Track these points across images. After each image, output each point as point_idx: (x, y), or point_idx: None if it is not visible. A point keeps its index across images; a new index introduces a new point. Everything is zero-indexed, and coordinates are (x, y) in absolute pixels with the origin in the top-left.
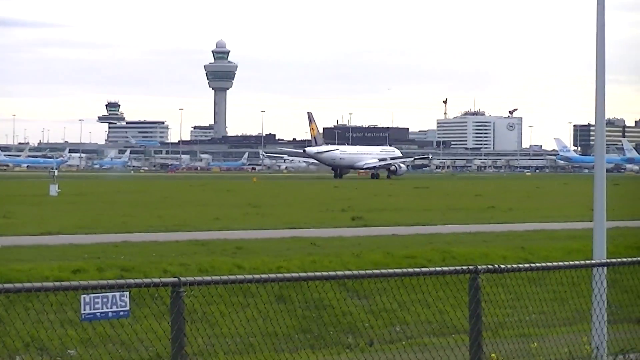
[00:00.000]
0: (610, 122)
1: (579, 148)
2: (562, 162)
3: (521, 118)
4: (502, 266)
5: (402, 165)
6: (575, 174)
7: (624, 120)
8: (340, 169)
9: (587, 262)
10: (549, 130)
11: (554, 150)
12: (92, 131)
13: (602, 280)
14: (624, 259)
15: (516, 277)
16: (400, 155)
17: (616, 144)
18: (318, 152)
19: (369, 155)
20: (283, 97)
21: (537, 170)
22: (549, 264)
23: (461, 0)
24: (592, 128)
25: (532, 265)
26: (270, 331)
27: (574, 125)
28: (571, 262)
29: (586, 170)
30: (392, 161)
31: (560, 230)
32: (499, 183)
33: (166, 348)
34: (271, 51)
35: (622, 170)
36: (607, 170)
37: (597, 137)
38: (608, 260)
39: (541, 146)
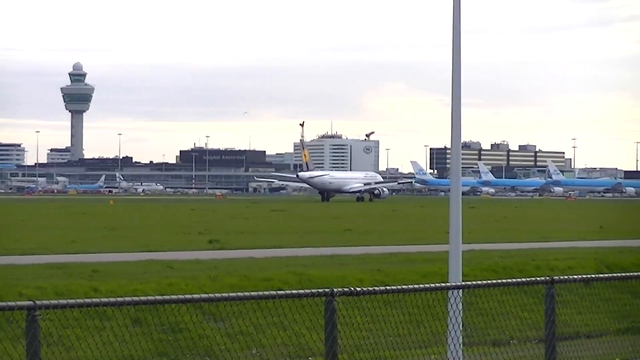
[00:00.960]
0: (466, 145)
1: (436, 171)
2: (419, 185)
3: (378, 141)
4: (358, 289)
5: (385, 189)
6: (431, 196)
7: (480, 144)
8: (327, 193)
9: (443, 284)
10: (405, 153)
11: (410, 173)
12: None
13: (457, 302)
14: (479, 282)
15: (372, 299)
16: (382, 179)
17: (472, 167)
18: (310, 177)
19: (354, 180)
20: (140, 120)
21: (394, 193)
22: (404, 286)
23: (313, 23)
24: (448, 151)
25: (388, 287)
26: (127, 355)
27: (431, 149)
28: (427, 285)
29: (442, 193)
30: (376, 185)
31: (417, 253)
32: (356, 206)
33: None
34: (129, 74)
35: (478, 193)
36: (463, 193)
37: (453, 161)
38: (463, 283)
39: (398, 169)
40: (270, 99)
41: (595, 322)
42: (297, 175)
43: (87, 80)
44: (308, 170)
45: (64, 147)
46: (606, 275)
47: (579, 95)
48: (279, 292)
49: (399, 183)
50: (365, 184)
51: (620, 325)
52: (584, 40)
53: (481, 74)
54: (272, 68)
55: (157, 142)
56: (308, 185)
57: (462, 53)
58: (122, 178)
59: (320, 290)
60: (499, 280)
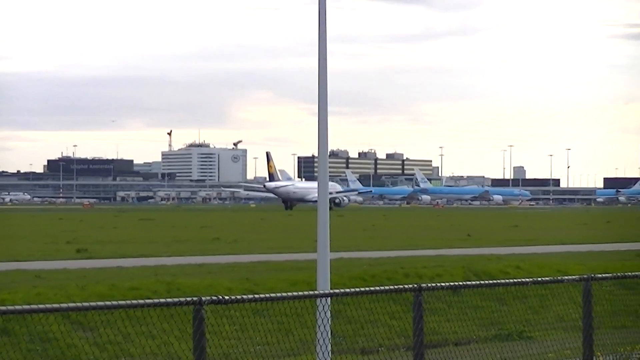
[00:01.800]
0: (334, 154)
1: (304, 179)
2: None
3: (246, 150)
4: (227, 297)
5: (345, 198)
6: (300, 205)
7: (347, 152)
8: (291, 202)
9: (311, 292)
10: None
11: None
12: None
13: (326, 311)
14: (347, 290)
15: (241, 308)
16: (342, 189)
17: (340, 175)
18: (276, 187)
19: (315, 189)
20: (7, 130)
21: (262, 202)
22: (273, 295)
23: (180, 31)
24: (316, 159)
25: (257, 296)
26: None
27: (299, 157)
28: (295, 293)
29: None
30: (337, 195)
31: (285, 262)
32: (224, 215)
33: None
34: None
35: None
36: (264, 200)
37: (320, 169)
38: (332, 291)
39: (265, 178)
40: (137, 107)
41: (463, 329)
42: (264, 186)
43: None
44: (274, 180)
45: None
46: (474, 282)
47: (446, 104)
48: (147, 301)
49: (359, 193)
50: None
51: (488, 332)
52: (448, 49)
53: (348, 82)
54: (140, 77)
55: (25, 152)
56: (274, 195)
57: (328, 61)
58: None
59: (188, 298)
60: (368, 288)
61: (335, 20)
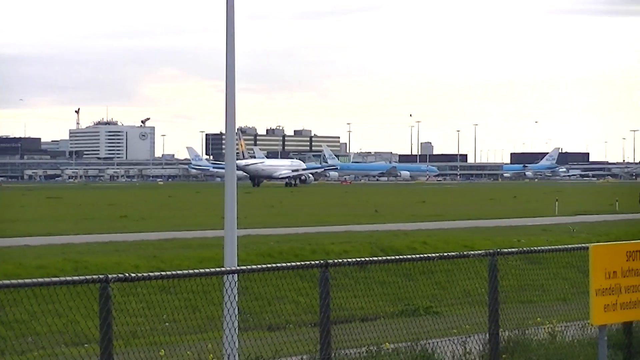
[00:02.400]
0: (242, 131)
1: (212, 157)
2: (195, 170)
3: (154, 127)
4: (133, 275)
5: (310, 175)
6: (208, 182)
7: (255, 129)
8: (258, 179)
9: (218, 269)
10: (181, 139)
11: (186, 159)
12: None
13: (233, 287)
14: (254, 267)
15: (148, 285)
16: (305, 167)
17: (248, 152)
18: (245, 165)
19: (283, 167)
20: None
21: (170, 179)
22: (179, 272)
23: (84, 9)
24: (223, 137)
25: (163, 273)
26: None
27: (206, 134)
28: (202, 270)
29: (218, 179)
30: (303, 172)
31: (193, 239)
32: (132, 192)
33: None
34: None
35: None
36: (239, 179)
37: (227, 146)
38: (238, 268)
39: (174, 155)
40: (44, 86)
41: (370, 305)
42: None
43: None
44: (243, 159)
45: None
46: (380, 258)
47: (352, 80)
48: (54, 279)
49: (324, 170)
50: (293, 171)
51: (395, 308)
52: (356, 25)
53: (255, 59)
54: (46, 55)
55: None
56: (243, 173)
57: (236, 38)
58: None
59: (94, 276)
60: (274, 265)
61: None
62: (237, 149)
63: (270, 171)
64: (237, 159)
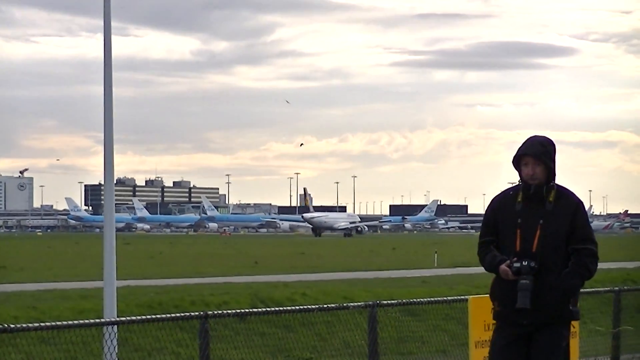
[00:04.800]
0: (120, 182)
1: (91, 207)
2: (74, 221)
3: (32, 178)
4: (12, 325)
5: (365, 227)
6: (86, 233)
7: (134, 180)
8: (320, 230)
9: (97, 320)
10: (60, 190)
11: (65, 209)
12: None
13: (112, 339)
14: (134, 318)
15: (27, 336)
16: (360, 219)
17: (127, 203)
18: (311, 218)
19: (341, 219)
20: None
21: (49, 230)
22: (59, 323)
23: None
24: (102, 187)
25: (42, 324)
26: None
27: (85, 185)
28: (81, 321)
29: (98, 230)
30: (359, 224)
31: (72, 290)
32: (11, 243)
33: None
34: None
35: (134, 229)
36: (118, 230)
37: (106, 197)
38: (118, 319)
39: (52, 206)
40: None
41: (250, 356)
42: (302, 217)
43: None
44: (309, 212)
45: None
46: (260, 309)
47: (232, 132)
48: None
49: (380, 221)
50: (350, 222)
51: (275, 359)
52: (235, 76)
53: (134, 110)
54: None
55: None
56: (309, 225)
57: (114, 89)
58: None
59: None
60: (154, 316)
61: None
62: (306, 203)
63: (331, 223)
64: (305, 212)
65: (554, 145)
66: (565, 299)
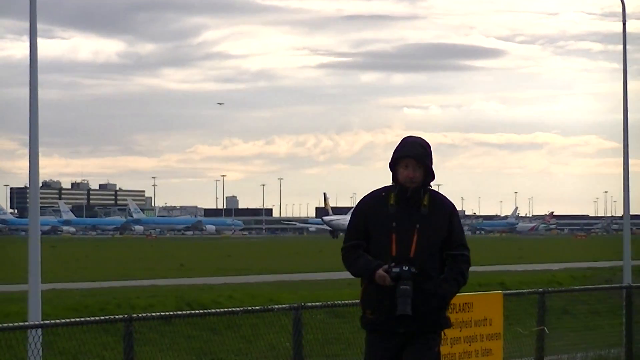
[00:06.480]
0: (46, 185)
1: (17, 211)
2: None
3: None
4: None
5: None
6: (12, 236)
7: (60, 183)
8: (337, 232)
9: (21, 324)
10: None
11: None
12: None
13: (37, 342)
14: (58, 321)
15: None
16: None
17: (53, 206)
18: (331, 220)
19: None
20: None
21: None
22: None
23: None
24: (28, 190)
25: None
26: None
27: (11, 188)
28: (5, 325)
29: (23, 233)
30: None
31: None
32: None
33: None
34: None
35: (59, 232)
36: (44, 233)
37: (31, 200)
38: (42, 322)
39: None
40: None
41: (176, 359)
42: (322, 219)
43: None
44: (329, 215)
45: None
46: (185, 312)
47: (158, 135)
48: None
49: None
50: None
51: None
52: (162, 78)
53: (59, 112)
54: None
55: None
56: (328, 227)
57: (40, 91)
58: None
59: None
60: (79, 319)
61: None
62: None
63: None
64: (324, 216)
65: (430, 147)
66: (442, 306)
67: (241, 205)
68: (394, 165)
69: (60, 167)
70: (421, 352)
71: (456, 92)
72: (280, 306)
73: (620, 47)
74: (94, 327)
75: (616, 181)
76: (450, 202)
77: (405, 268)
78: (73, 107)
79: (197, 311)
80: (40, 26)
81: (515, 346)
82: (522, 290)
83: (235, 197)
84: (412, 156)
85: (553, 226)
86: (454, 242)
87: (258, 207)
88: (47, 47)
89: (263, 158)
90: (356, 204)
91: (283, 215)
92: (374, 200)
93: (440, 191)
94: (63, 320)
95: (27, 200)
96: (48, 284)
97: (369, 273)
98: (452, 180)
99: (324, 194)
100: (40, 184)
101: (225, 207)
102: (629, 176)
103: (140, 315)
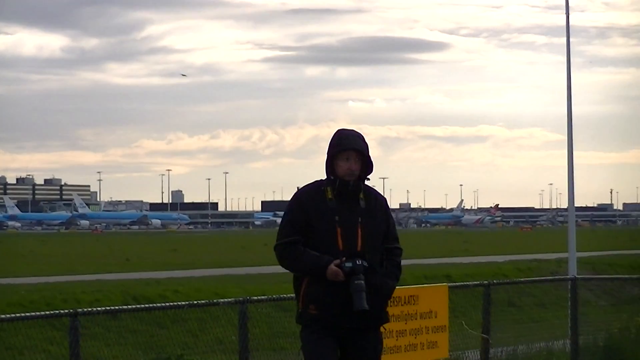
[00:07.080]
0: None
1: None
2: None
3: None
4: None
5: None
6: None
7: (5, 178)
8: None
9: None
10: None
11: None
12: None
13: None
14: (3, 316)
15: None
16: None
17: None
18: None
19: None
20: None
21: None
22: None
23: None
24: None
25: None
26: None
27: None
28: None
29: None
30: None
31: None
32: None
33: None
34: None
35: (5, 227)
36: None
37: None
38: None
39: None
40: None
41: (122, 353)
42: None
43: None
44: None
45: None
46: (130, 307)
47: (103, 129)
48: None
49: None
50: None
51: (147, 356)
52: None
53: (2, 108)
54: None
55: None
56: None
57: None
58: None
59: None
60: (25, 314)
61: None
62: None
63: None
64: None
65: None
66: (385, 301)
67: (187, 200)
68: (332, 158)
69: (5, 162)
70: (374, 353)
71: (401, 86)
72: (226, 300)
73: (564, 39)
74: (39, 322)
75: (561, 173)
76: (382, 195)
77: (359, 262)
78: (18, 102)
79: (142, 305)
80: None
81: (461, 338)
82: (468, 283)
83: (181, 191)
84: (355, 149)
85: (498, 218)
86: (391, 236)
87: (204, 201)
88: None
89: (208, 152)
90: (291, 198)
91: (229, 209)
92: (312, 194)
93: (386, 184)
94: (8, 316)
95: None
96: None
97: (319, 269)
98: (397, 174)
99: None
100: None
101: (170, 201)
102: (573, 168)
103: (86, 310)
